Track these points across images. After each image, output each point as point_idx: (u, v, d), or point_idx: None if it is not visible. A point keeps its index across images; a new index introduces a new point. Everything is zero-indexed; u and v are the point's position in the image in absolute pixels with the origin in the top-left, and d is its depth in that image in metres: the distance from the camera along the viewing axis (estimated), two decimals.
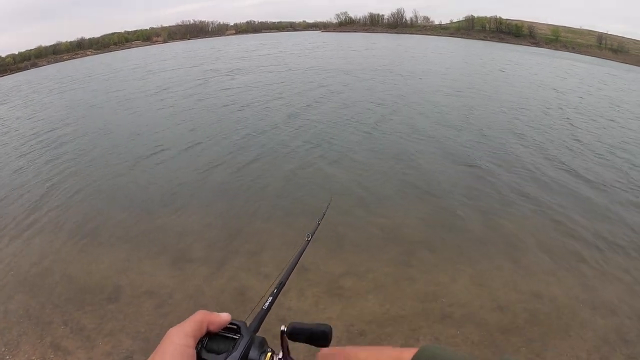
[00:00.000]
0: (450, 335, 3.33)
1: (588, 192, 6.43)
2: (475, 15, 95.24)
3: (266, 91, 15.29)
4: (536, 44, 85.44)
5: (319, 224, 1.10)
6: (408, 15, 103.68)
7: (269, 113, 11.80)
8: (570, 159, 8.04)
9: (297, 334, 0.58)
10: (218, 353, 0.48)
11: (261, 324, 0.59)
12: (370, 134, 9.53)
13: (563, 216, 5.47)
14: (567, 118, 11.74)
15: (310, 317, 3.84)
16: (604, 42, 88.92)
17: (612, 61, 71.29)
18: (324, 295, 3.97)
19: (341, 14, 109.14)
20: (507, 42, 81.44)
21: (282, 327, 0.58)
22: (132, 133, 10.67)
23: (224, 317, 0.51)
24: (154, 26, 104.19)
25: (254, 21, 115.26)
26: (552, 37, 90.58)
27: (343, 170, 7.25)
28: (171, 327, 0.46)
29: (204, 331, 0.49)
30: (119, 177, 7.51)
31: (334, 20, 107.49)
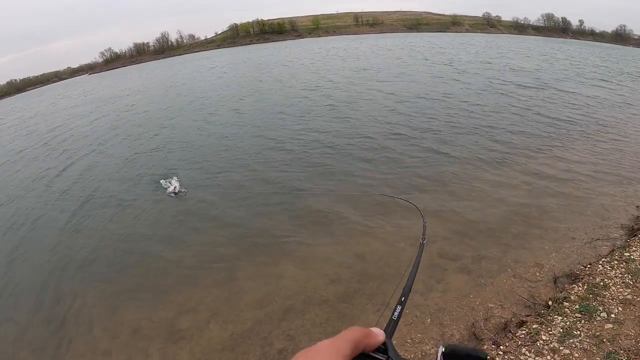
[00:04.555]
0: (299, 325, 3.27)
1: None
2: (238, 22, 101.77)
3: None
4: (299, 36, 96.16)
5: (424, 224, 1.14)
6: (173, 37, 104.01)
7: None
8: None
9: (455, 356, 0.49)
10: None
11: (392, 335, 0.53)
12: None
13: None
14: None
15: None
16: (360, 20, 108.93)
17: (369, 34, 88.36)
18: (168, 345, 3.42)
19: (105, 51, 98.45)
20: (272, 41, 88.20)
21: (441, 349, 0.49)
22: None
23: (380, 336, 0.43)
24: None
25: (16, 80, 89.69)
26: (313, 26, 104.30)
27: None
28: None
29: (358, 352, 0.39)
30: None
31: (100, 59, 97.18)
